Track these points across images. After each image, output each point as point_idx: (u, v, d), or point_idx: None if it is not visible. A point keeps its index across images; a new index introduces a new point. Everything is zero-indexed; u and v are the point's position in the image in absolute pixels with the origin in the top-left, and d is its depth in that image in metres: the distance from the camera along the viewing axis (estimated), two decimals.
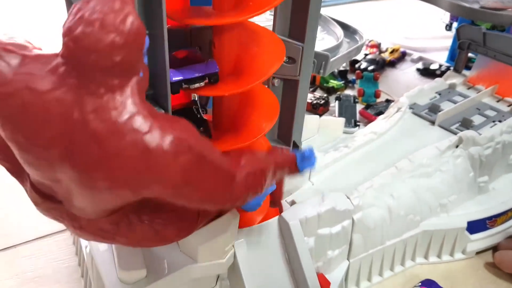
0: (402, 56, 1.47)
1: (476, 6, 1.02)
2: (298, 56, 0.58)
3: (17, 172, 0.41)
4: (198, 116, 0.53)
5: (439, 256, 0.77)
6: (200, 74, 0.46)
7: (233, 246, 0.54)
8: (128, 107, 0.33)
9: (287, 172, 0.47)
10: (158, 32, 0.42)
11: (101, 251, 0.52)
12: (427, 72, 1.36)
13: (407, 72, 1.40)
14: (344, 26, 0.85)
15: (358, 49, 0.78)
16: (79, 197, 0.36)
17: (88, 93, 0.32)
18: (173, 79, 0.44)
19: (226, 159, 0.39)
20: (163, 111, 0.45)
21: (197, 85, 0.46)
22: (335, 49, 0.75)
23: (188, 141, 0.35)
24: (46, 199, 0.39)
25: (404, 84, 1.29)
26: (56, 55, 0.33)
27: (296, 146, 0.67)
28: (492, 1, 1.10)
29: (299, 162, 0.47)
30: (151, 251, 0.50)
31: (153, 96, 0.46)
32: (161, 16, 0.41)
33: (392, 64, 1.43)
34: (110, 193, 0.35)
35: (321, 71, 0.67)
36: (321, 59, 0.66)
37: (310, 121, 0.86)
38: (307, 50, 0.57)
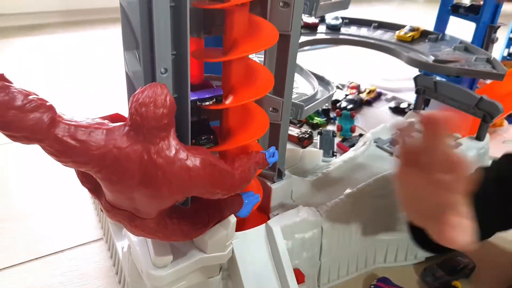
0: (378, 96, 1.68)
1: (430, 59, 1.24)
2: (280, 107, 0.79)
3: (94, 191, 0.60)
4: (209, 126, 0.72)
5: (395, 260, 0.95)
6: (209, 95, 0.66)
7: (231, 243, 0.74)
8: (173, 147, 0.53)
9: (262, 166, 0.69)
10: (183, 95, 0.64)
11: (138, 248, 0.71)
12: (397, 110, 1.56)
13: (381, 110, 1.60)
14: (320, 78, 1.07)
15: (329, 98, 0.99)
16: (147, 205, 0.56)
17: (150, 143, 0.52)
18: (191, 98, 0.64)
19: (227, 165, 0.61)
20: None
21: (207, 103, 0.65)
22: (311, 98, 0.96)
23: (208, 159, 0.56)
24: (115, 208, 0.58)
25: (377, 121, 1.48)
26: (124, 125, 0.53)
27: (280, 172, 0.88)
28: (447, 54, 1.32)
29: (268, 158, 0.69)
30: (175, 246, 0.70)
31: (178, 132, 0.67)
32: (186, 87, 0.63)
33: (369, 103, 1.63)
34: (170, 198, 0.56)
35: (298, 116, 0.88)
36: (298, 107, 0.88)
37: (294, 152, 1.06)
38: (286, 103, 0.79)
